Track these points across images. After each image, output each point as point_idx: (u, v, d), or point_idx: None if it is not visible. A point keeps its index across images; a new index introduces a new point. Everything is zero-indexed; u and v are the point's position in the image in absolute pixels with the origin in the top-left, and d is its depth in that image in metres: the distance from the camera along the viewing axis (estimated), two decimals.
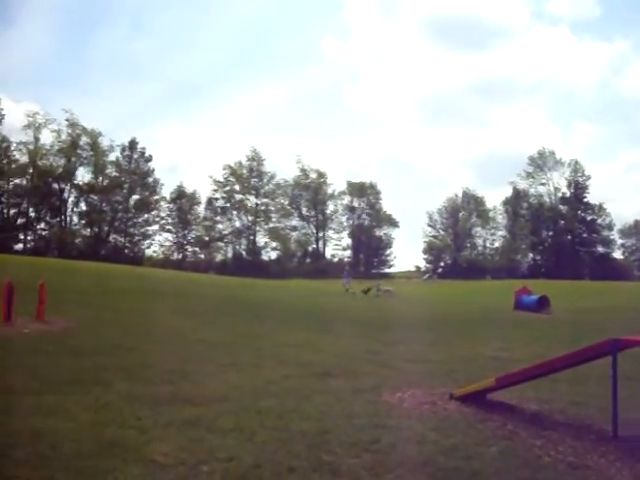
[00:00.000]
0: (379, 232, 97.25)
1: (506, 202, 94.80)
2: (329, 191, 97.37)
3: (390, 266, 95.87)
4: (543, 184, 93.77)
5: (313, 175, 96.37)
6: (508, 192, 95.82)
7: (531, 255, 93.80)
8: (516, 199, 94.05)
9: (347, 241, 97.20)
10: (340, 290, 39.05)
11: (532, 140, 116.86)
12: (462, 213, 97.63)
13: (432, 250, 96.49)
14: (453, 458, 5.26)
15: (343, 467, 4.91)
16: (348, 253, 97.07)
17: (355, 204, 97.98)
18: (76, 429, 5.45)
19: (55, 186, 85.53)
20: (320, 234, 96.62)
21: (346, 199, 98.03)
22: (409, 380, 8.57)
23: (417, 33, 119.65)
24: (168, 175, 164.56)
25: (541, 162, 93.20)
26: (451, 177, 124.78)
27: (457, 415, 6.73)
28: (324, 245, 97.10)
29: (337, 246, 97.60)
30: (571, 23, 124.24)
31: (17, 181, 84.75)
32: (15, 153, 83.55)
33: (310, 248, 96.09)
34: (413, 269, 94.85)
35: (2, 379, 7.10)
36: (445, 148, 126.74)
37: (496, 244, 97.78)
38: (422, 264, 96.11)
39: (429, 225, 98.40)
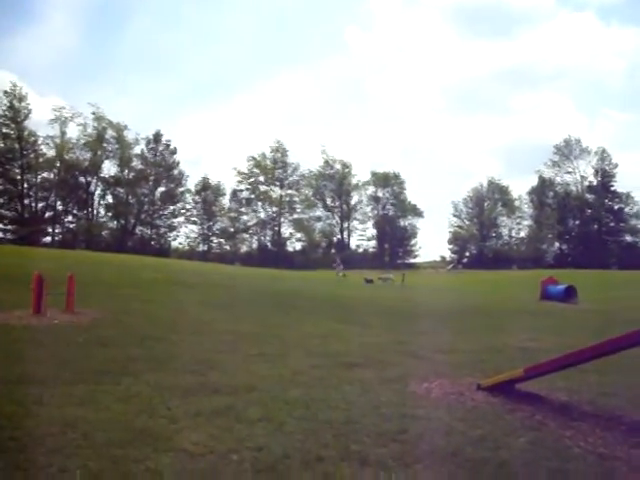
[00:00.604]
0: (404, 222, 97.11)
1: (532, 191, 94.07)
2: (353, 181, 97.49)
3: (415, 256, 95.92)
4: (569, 173, 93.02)
5: (337, 166, 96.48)
6: (534, 181, 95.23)
7: (557, 244, 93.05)
8: (542, 188, 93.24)
9: (372, 231, 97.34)
10: (359, 281, 39.09)
11: (558, 128, 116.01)
12: (487, 203, 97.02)
13: (457, 240, 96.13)
14: (481, 449, 5.24)
15: (371, 456, 4.91)
16: (373, 243, 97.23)
17: (379, 194, 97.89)
18: (107, 419, 5.52)
19: (82, 179, 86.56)
20: (345, 225, 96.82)
21: (370, 189, 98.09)
22: (436, 370, 8.54)
23: (440, 21, 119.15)
24: (193, 167, 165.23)
25: (567, 150, 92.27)
26: (476, 166, 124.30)
27: (485, 405, 6.69)
28: (349, 236, 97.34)
29: (362, 236, 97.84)
30: (598, 8, 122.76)
31: (44, 175, 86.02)
32: (42, 147, 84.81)
33: (335, 239, 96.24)
34: (438, 259, 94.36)
35: (34, 369, 7.21)
36: (470, 137, 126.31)
37: (522, 234, 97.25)
38: (447, 254, 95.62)
39: (454, 215, 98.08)
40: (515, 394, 7.09)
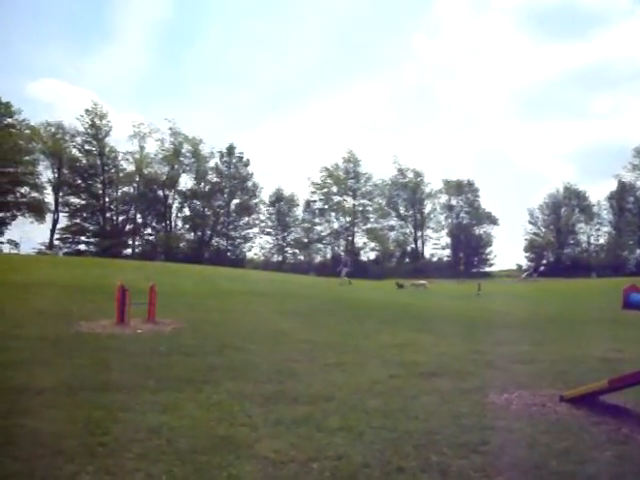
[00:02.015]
0: (478, 230, 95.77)
1: (611, 196, 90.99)
2: (426, 190, 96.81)
3: (490, 265, 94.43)
4: None
5: (410, 174, 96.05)
6: (613, 186, 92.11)
7: (639, 251, 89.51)
8: (622, 193, 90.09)
9: (446, 240, 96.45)
10: (439, 289, 38.63)
11: (637, 131, 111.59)
12: (564, 209, 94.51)
13: (534, 248, 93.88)
14: (566, 462, 5.09)
15: (452, 468, 4.84)
16: (447, 252, 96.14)
17: (453, 202, 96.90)
18: (190, 426, 5.62)
19: (160, 193, 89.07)
20: (418, 233, 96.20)
21: (443, 198, 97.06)
22: (516, 381, 8.34)
23: (510, 25, 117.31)
24: (266, 178, 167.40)
25: None
26: (551, 172, 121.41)
27: (568, 418, 6.50)
28: (423, 244, 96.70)
29: (436, 245, 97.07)
30: None
31: (125, 189, 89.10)
32: (122, 162, 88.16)
33: (409, 248, 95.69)
34: (514, 268, 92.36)
35: (120, 377, 7.42)
36: (544, 142, 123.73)
37: (601, 240, 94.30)
38: (524, 262, 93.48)
39: (530, 222, 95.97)
40: (599, 406, 6.86)
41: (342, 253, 77.02)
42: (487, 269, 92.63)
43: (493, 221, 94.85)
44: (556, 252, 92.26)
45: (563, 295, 39.59)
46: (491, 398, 7.31)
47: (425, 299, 29.92)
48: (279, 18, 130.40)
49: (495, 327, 16.83)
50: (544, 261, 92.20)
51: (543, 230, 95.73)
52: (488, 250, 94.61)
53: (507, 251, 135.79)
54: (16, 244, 75.22)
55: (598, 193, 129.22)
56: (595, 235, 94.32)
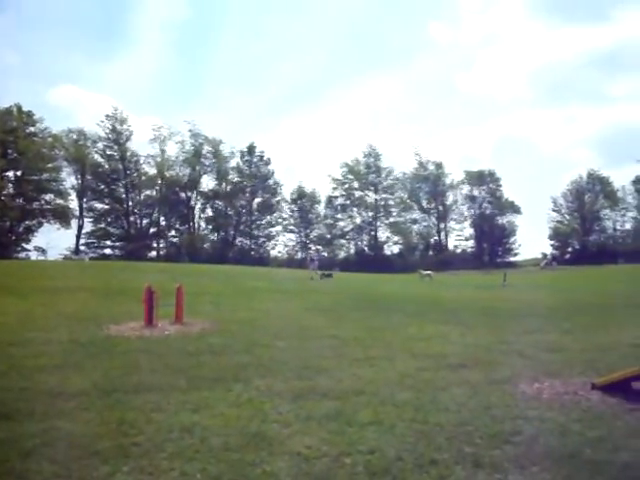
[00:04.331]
0: (502, 220, 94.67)
1: (636, 180, 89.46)
2: (448, 181, 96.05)
3: (515, 254, 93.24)
4: None
5: (431, 166, 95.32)
6: (637, 170, 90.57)
7: None
8: None
9: (469, 231, 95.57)
10: (464, 281, 38.44)
11: None
12: (588, 195, 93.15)
13: (558, 236, 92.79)
14: (601, 450, 5.05)
15: (485, 459, 4.83)
16: (471, 243, 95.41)
17: (475, 193, 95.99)
18: (222, 424, 5.67)
19: (182, 195, 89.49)
20: (441, 225, 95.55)
21: (465, 188, 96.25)
22: (546, 370, 8.30)
23: (527, 9, 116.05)
24: (287, 176, 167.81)
25: None
26: (574, 158, 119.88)
27: (601, 405, 6.45)
28: (446, 236, 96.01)
29: (459, 237, 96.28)
30: None
31: (147, 192, 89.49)
32: (144, 166, 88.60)
33: (432, 240, 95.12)
34: (540, 256, 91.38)
35: (151, 378, 7.50)
36: (566, 127, 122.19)
37: (627, 226, 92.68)
38: (549, 251, 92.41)
39: (554, 210, 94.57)
40: (633, 393, 6.79)
41: (311, 251, 77.15)
42: (512, 259, 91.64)
43: (516, 210, 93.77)
44: (581, 239, 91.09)
45: (590, 282, 39.19)
46: (522, 388, 7.28)
47: (451, 291, 29.80)
48: (293, 14, 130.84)
49: (522, 316, 16.71)
50: (554, 252, 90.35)
51: (567, 217, 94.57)
52: (512, 239, 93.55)
53: (532, 240, 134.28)
54: (43, 251, 75.98)
55: (622, 178, 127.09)
56: (621, 221, 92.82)
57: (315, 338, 11.42)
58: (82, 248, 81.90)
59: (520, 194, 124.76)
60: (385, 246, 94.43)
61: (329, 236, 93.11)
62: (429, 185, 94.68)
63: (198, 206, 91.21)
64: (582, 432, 5.53)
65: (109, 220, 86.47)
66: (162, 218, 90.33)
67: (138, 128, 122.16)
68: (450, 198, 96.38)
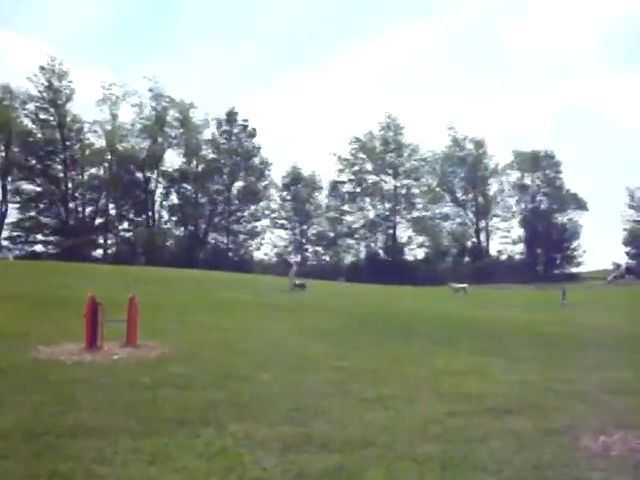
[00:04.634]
0: (562, 218, 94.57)
1: None
2: (491, 165, 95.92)
3: (578, 264, 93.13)
4: None
5: (469, 145, 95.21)
6: None
7: None
8: None
9: (518, 232, 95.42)
10: (509, 298, 38.45)
11: None
12: None
13: (636, 240, 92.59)
14: None
15: None
16: (520, 248, 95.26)
17: (527, 181, 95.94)
18: None
19: (139, 175, 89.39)
20: (481, 223, 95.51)
21: (514, 175, 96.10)
22: (616, 419, 8.30)
23: None
24: (278, 154, 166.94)
25: None
26: None
27: None
28: (487, 238, 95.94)
29: (505, 239, 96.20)
30: None
31: (93, 171, 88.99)
32: (89, 136, 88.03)
33: (469, 243, 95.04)
34: (611, 267, 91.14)
35: (92, 418, 7.48)
36: None
37: None
38: (623, 260, 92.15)
39: (630, 206, 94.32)
40: None
41: (292, 257, 78.12)
42: (574, 270, 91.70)
43: (581, 205, 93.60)
44: None
45: None
46: (584, 441, 7.28)
47: (492, 310, 29.81)
48: None
49: (586, 347, 16.75)
50: (629, 261, 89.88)
51: None
52: (575, 244, 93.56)
53: (601, 245, 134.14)
54: None
55: None
56: None
57: (311, 370, 11.43)
58: (5, 243, 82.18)
59: (586, 184, 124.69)
60: (406, 249, 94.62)
61: (332, 234, 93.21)
62: (466, 170, 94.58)
63: (159, 190, 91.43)
64: None
65: (41, 207, 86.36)
66: (111, 205, 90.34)
67: (82, 85, 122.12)
68: (494, 187, 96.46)
